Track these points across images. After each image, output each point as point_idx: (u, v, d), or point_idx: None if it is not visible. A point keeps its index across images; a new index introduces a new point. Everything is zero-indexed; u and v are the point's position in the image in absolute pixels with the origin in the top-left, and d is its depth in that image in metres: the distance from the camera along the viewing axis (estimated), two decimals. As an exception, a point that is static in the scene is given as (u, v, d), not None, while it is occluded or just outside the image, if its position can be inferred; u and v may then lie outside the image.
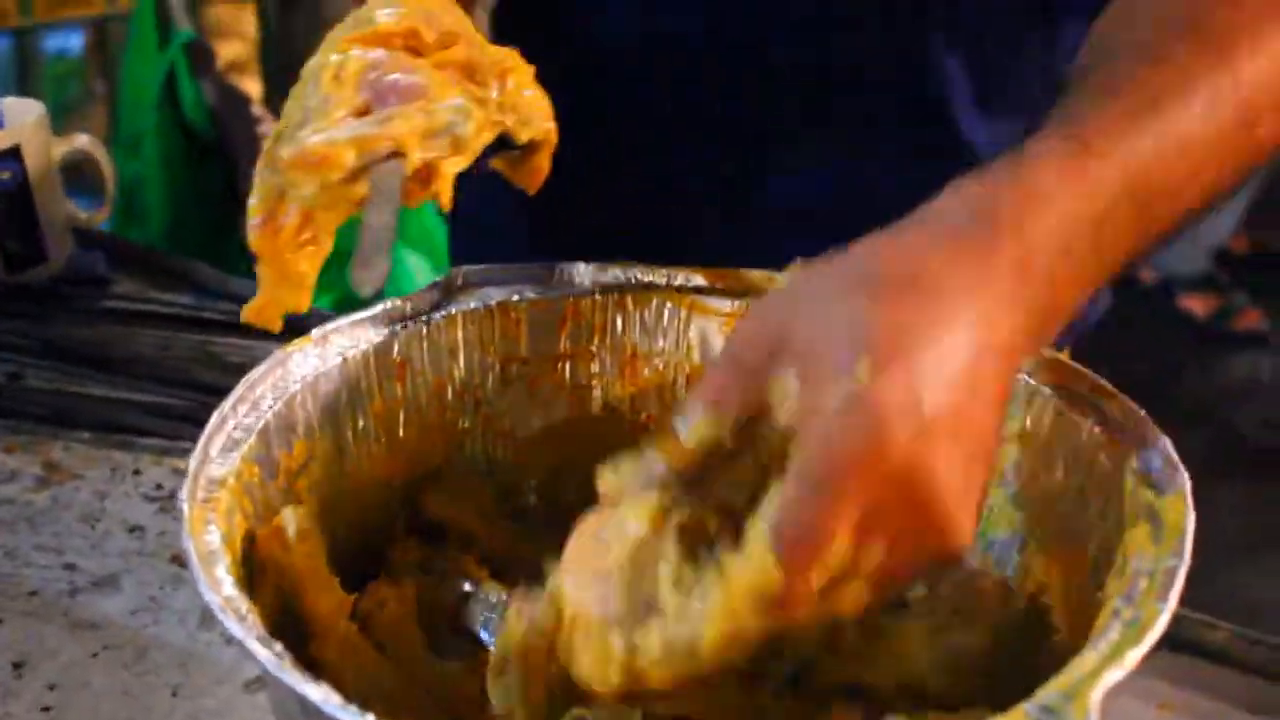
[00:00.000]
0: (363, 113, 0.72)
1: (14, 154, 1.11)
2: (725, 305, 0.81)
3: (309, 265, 0.73)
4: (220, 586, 0.59)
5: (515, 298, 0.81)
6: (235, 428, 0.69)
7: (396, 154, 0.71)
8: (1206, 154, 0.64)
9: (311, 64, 0.75)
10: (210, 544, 0.61)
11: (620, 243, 0.82)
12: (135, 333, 1.09)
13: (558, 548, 0.80)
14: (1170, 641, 0.75)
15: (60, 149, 1.15)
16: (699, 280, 0.81)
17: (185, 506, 0.62)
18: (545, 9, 1.01)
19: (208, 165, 2.62)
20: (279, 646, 0.55)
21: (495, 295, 0.81)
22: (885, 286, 0.56)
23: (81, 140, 1.16)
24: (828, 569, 0.54)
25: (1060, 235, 0.59)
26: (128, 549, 0.87)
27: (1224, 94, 0.65)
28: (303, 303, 0.74)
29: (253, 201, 0.73)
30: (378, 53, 0.75)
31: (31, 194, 1.12)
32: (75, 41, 4.16)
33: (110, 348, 1.06)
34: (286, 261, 0.73)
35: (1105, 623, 0.58)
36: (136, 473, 0.94)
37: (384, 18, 0.76)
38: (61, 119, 4.46)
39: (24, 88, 3.04)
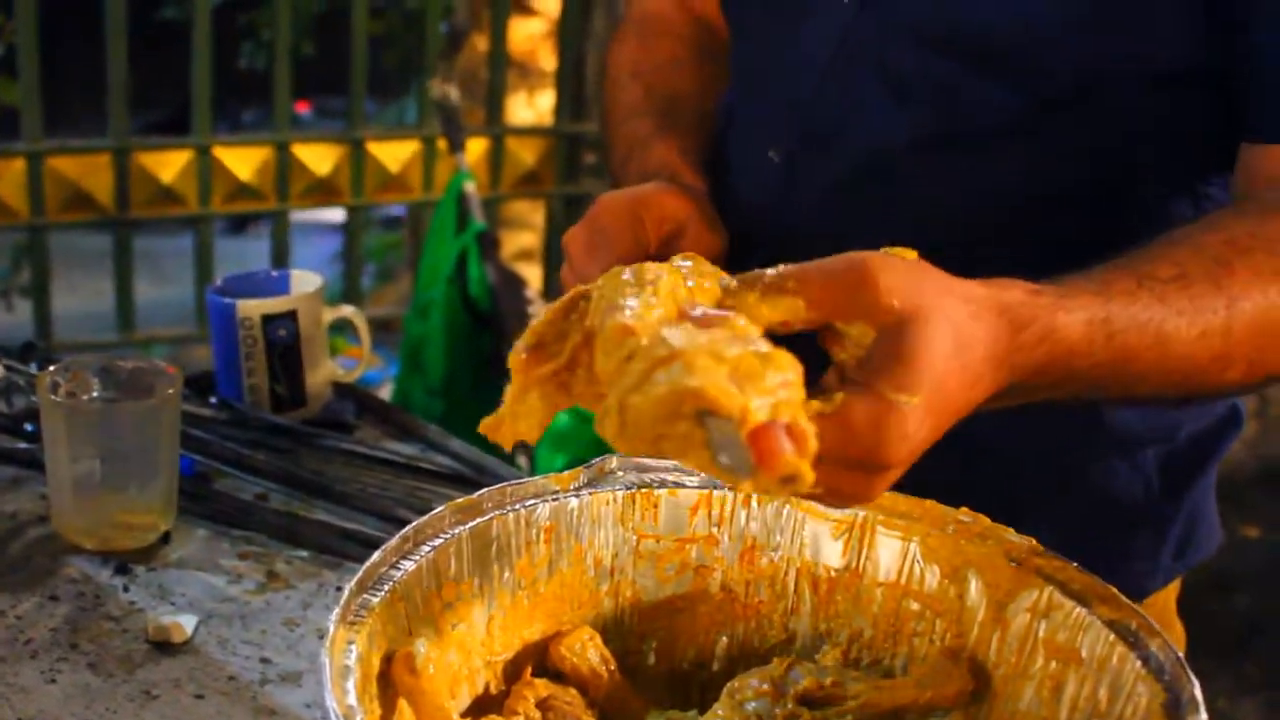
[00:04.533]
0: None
1: (291, 316, 1.20)
2: (835, 512, 0.83)
3: (550, 404, 0.71)
4: (345, 696, 0.63)
5: (656, 485, 0.84)
6: (393, 566, 0.74)
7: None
8: (1185, 367, 0.76)
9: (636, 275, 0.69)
10: (347, 659, 0.65)
11: None
12: (364, 472, 1.15)
13: (664, 703, 0.83)
14: None
15: (330, 315, 1.23)
16: (816, 488, 0.83)
17: (331, 625, 0.66)
18: None
19: (482, 335, 2.75)
20: (377, 754, 0.59)
21: (637, 480, 0.84)
22: (954, 344, 0.65)
23: (347, 310, 1.25)
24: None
25: (1039, 370, 0.70)
26: (315, 652, 0.92)
27: (1216, 331, 0.76)
28: (533, 435, 0.72)
29: (531, 328, 0.70)
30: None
31: (301, 350, 1.21)
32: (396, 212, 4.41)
33: (342, 483, 1.12)
34: (533, 393, 0.70)
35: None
36: (338, 589, 0.99)
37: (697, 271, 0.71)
38: (381, 283, 4.72)
39: (350, 254, 3.23)
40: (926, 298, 0.65)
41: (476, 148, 3.19)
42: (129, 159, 2.82)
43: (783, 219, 1.02)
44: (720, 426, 0.58)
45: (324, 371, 1.24)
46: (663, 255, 0.86)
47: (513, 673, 0.81)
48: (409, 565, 0.74)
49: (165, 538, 1.04)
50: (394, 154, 3.13)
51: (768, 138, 1.03)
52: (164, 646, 0.91)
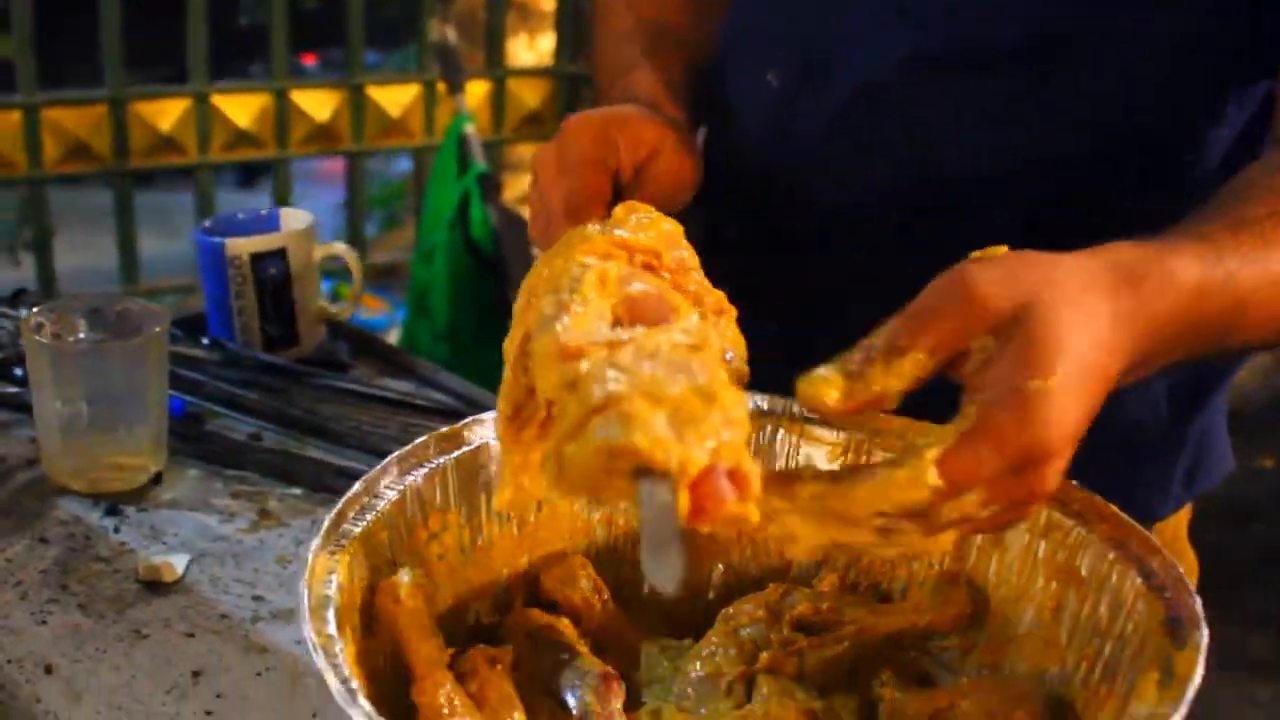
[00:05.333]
0: (616, 322, 0.65)
1: (281, 254, 1.18)
2: (830, 435, 0.82)
3: None
4: (325, 627, 0.61)
5: (646, 411, 0.82)
6: (376, 495, 0.72)
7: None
8: None
9: (562, 263, 0.68)
10: (326, 589, 0.64)
11: None
12: (358, 410, 1.14)
13: (659, 632, 0.82)
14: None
15: (320, 253, 1.22)
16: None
17: (310, 555, 0.65)
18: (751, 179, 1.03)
19: (486, 278, 2.72)
20: (354, 682, 0.58)
21: (629, 407, 0.82)
22: (1079, 313, 0.62)
23: (339, 248, 1.23)
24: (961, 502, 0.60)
25: (1170, 320, 0.66)
26: (308, 590, 0.91)
27: None
28: (543, 491, 0.71)
29: (501, 396, 0.69)
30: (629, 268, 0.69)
31: (291, 287, 1.19)
32: (404, 166, 4.38)
33: (335, 420, 1.11)
34: (530, 454, 0.70)
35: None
36: (331, 527, 0.98)
37: (632, 233, 0.71)
38: (388, 229, 4.70)
39: (353, 200, 3.21)
40: (1034, 286, 0.62)
41: (478, 91, 3.16)
42: (126, 109, 2.79)
43: (782, 149, 1.00)
44: (656, 484, 0.55)
45: (316, 310, 1.23)
46: (634, 186, 0.84)
47: (504, 604, 0.80)
48: (392, 495, 0.73)
49: (157, 479, 1.02)
50: (395, 99, 3.10)
51: (766, 63, 1.00)
52: (155, 586, 0.90)
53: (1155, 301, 0.65)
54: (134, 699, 0.79)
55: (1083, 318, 0.62)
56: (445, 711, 0.67)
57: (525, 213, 2.91)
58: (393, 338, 3.05)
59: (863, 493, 0.61)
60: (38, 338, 0.97)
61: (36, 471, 1.02)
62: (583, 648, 0.76)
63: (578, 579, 0.80)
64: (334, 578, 0.65)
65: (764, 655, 0.76)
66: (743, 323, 0.72)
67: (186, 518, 0.98)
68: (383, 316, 3.38)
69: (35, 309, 1.00)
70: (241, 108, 2.94)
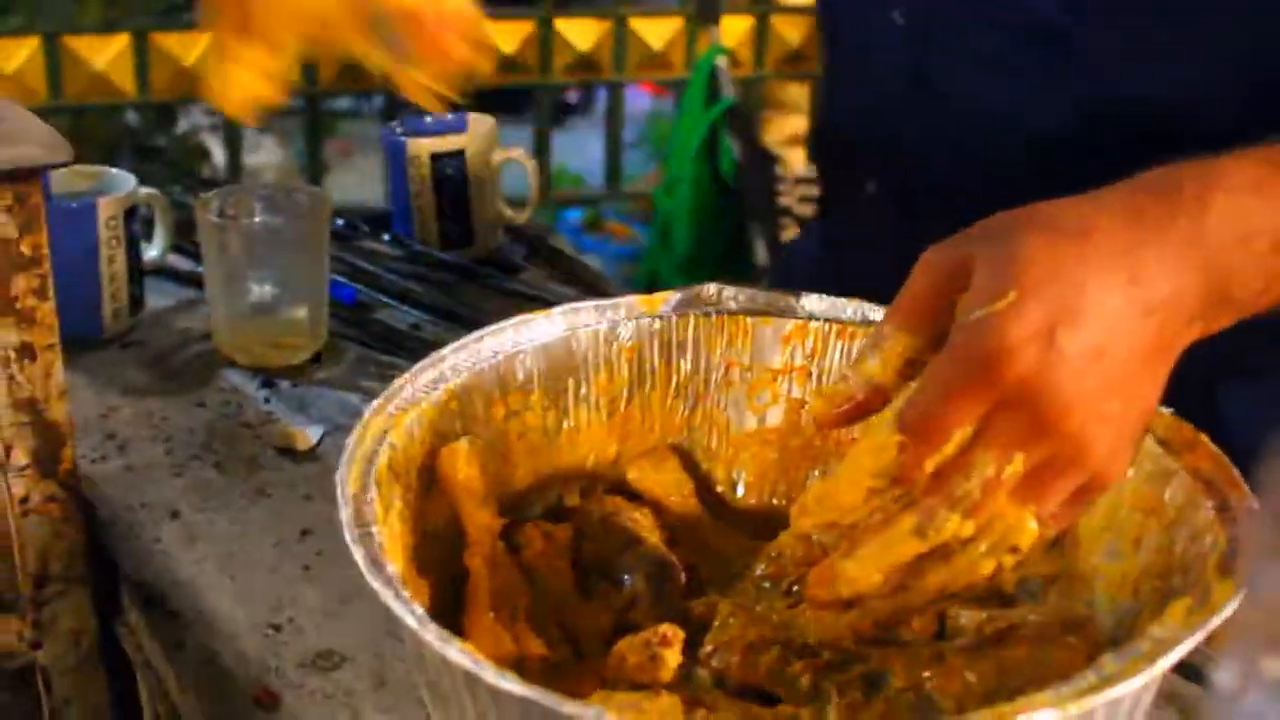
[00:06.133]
0: None
1: (459, 155, 1.22)
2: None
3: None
4: (361, 480, 0.64)
5: (747, 313, 0.82)
6: (451, 368, 0.75)
7: None
8: None
9: None
10: (373, 448, 0.67)
11: None
12: (518, 310, 1.17)
13: (749, 536, 0.82)
14: None
15: (500, 157, 1.25)
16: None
17: (365, 412, 0.68)
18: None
19: (728, 211, 2.74)
20: (375, 529, 0.60)
21: (732, 306, 0.82)
22: (1054, 232, 0.57)
23: (517, 153, 1.26)
24: (943, 453, 0.57)
25: (1238, 224, 0.59)
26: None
27: None
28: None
29: None
30: None
31: (469, 188, 1.23)
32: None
33: (493, 318, 1.14)
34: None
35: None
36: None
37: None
38: (651, 165, 4.76)
39: (612, 131, 3.26)
40: (1001, 220, 0.59)
41: (739, 26, 3.15)
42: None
43: (916, 97, 0.97)
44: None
45: (493, 212, 1.26)
46: None
47: (587, 490, 0.81)
48: (469, 368, 0.75)
49: (316, 359, 1.08)
50: (656, 31, 3.13)
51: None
52: (288, 453, 0.95)
53: (1199, 212, 0.58)
54: (242, 547, 0.84)
55: (1072, 231, 0.56)
56: (489, 577, 0.69)
57: (788, 154, 2.89)
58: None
59: (844, 470, 0.60)
60: (209, 216, 1.03)
61: (208, 345, 1.09)
62: (654, 537, 0.77)
63: (663, 470, 0.81)
64: (389, 437, 0.68)
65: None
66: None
67: (333, 395, 1.03)
68: (631, 245, 3.43)
69: (212, 192, 1.07)
70: (506, 34, 3.02)
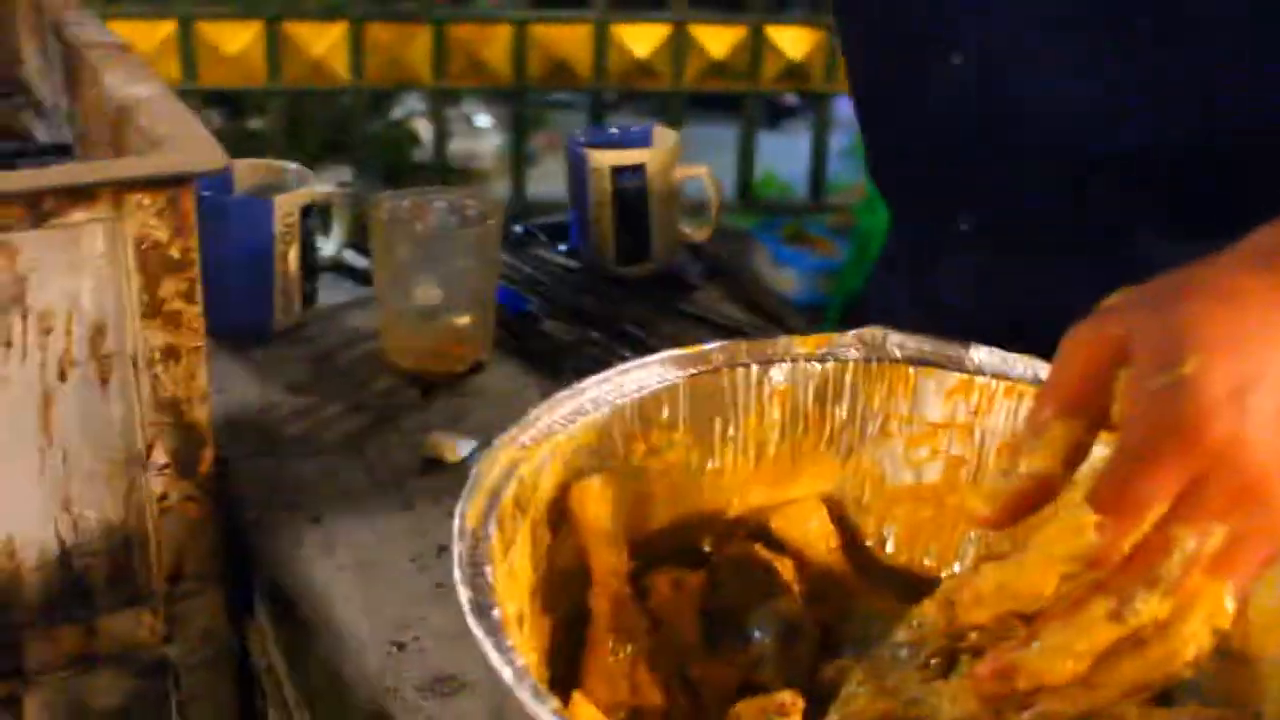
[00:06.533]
0: None
1: (640, 169, 1.20)
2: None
3: None
4: (483, 515, 0.62)
5: (911, 362, 0.78)
6: (592, 400, 0.72)
7: None
8: None
9: None
10: (501, 481, 0.65)
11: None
12: (688, 332, 1.14)
13: (896, 597, 0.78)
14: None
15: (681, 174, 1.22)
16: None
17: (496, 442, 0.66)
18: None
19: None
20: (488, 570, 0.58)
21: (896, 354, 0.78)
22: (1213, 297, 0.55)
23: (700, 170, 1.24)
24: (1141, 530, 0.53)
25: None
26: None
27: None
28: None
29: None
30: None
31: (648, 203, 1.21)
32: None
33: (662, 339, 1.11)
34: None
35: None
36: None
37: None
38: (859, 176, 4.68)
39: (816, 141, 3.22)
40: (1160, 284, 0.57)
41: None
42: (607, 30, 2.92)
43: (985, 129, 0.95)
44: None
45: (671, 228, 1.24)
46: None
47: (727, 536, 0.78)
48: (612, 402, 0.73)
49: (477, 367, 1.07)
50: (794, 41, 3.06)
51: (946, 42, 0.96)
52: (437, 464, 0.94)
53: None
54: (380, 559, 0.84)
55: (1222, 294, 0.54)
56: (613, 619, 0.67)
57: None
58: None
59: (1030, 555, 0.56)
60: (380, 217, 1.03)
61: (374, 345, 1.09)
62: (793, 589, 0.74)
63: (809, 519, 0.78)
64: (519, 469, 0.66)
65: (974, 634, 0.70)
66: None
67: (491, 407, 1.02)
68: (832, 260, 3.37)
69: (390, 192, 1.07)
70: (717, 39, 3.00)
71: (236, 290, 1.05)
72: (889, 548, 0.80)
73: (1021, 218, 0.98)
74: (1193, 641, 0.55)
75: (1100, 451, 0.57)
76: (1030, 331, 0.73)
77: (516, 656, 0.53)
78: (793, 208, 3.41)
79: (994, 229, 1.01)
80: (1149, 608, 0.54)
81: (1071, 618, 0.55)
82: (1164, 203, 0.92)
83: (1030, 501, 0.58)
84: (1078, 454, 0.58)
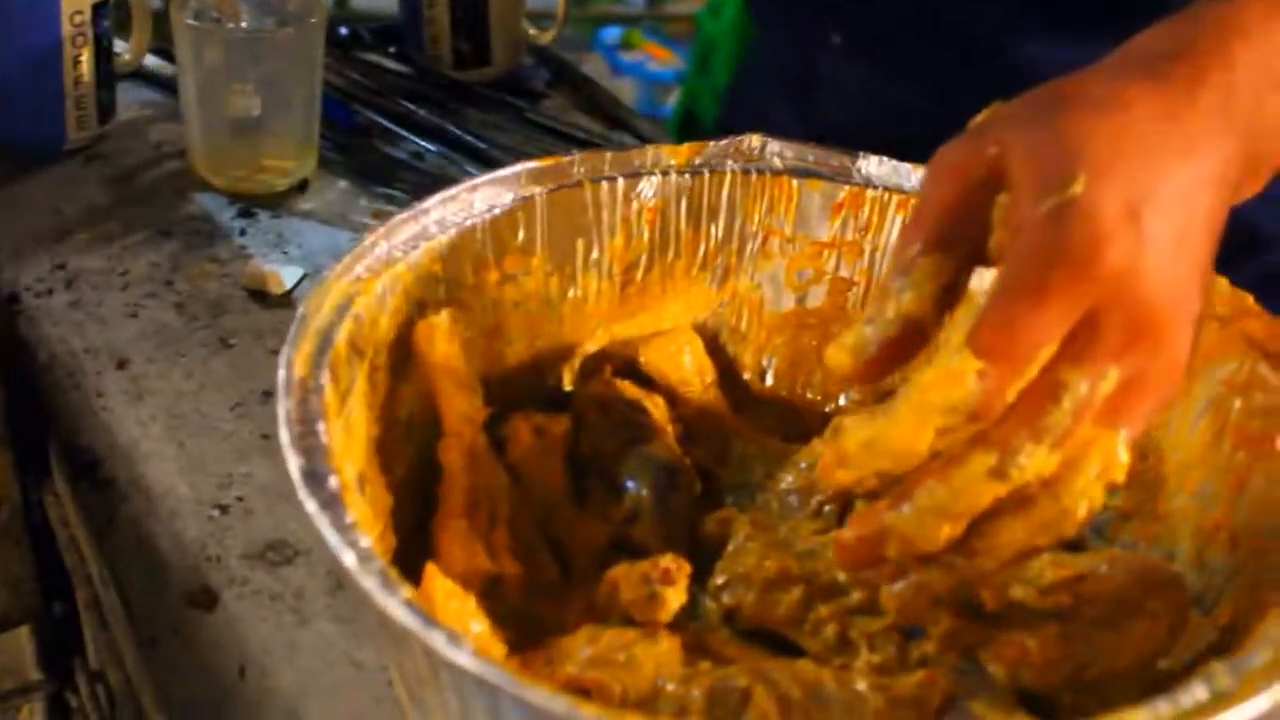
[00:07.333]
0: None
1: (479, -39, 1.08)
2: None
3: None
4: (313, 363, 0.53)
5: (794, 173, 0.70)
6: (436, 222, 0.63)
7: None
8: None
9: None
10: (332, 320, 0.55)
11: None
12: (532, 142, 1.05)
13: (773, 434, 0.71)
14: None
15: (524, -31, 1.11)
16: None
17: (327, 274, 0.56)
18: None
19: (774, 40, 2.57)
20: (320, 426, 0.49)
21: (777, 165, 0.70)
22: (1096, 108, 0.49)
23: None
24: (1025, 376, 0.47)
25: (1268, 69, 0.52)
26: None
27: None
28: None
29: None
30: None
31: (488, 5, 1.09)
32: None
33: (504, 151, 1.02)
34: None
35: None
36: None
37: None
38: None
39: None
40: (1034, 96, 0.51)
41: None
42: None
43: None
44: None
45: (513, 31, 1.13)
46: None
47: (591, 372, 0.70)
48: (459, 224, 0.63)
49: (302, 186, 0.96)
50: None
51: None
52: (260, 296, 0.84)
53: (1221, 64, 0.51)
54: (195, 409, 0.74)
55: (1105, 105, 0.48)
56: (467, 475, 0.59)
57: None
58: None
59: (902, 409, 0.48)
60: (184, 18, 0.91)
61: (183, 164, 0.97)
62: (666, 431, 0.67)
63: (682, 351, 0.70)
64: (354, 306, 0.57)
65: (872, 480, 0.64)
66: None
67: (318, 231, 0.92)
68: (673, 69, 3.27)
69: (194, -11, 0.93)
70: None
71: (20, 100, 0.93)
72: (769, 380, 0.73)
73: (899, 37, 0.92)
74: (1084, 498, 0.49)
75: (979, 286, 0.50)
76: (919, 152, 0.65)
77: (359, 535, 0.44)
78: (629, 16, 3.28)
79: (866, 44, 0.94)
80: (1035, 462, 0.47)
81: (948, 476, 0.48)
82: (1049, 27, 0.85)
83: (900, 350, 0.51)
84: (951, 294, 0.51)
